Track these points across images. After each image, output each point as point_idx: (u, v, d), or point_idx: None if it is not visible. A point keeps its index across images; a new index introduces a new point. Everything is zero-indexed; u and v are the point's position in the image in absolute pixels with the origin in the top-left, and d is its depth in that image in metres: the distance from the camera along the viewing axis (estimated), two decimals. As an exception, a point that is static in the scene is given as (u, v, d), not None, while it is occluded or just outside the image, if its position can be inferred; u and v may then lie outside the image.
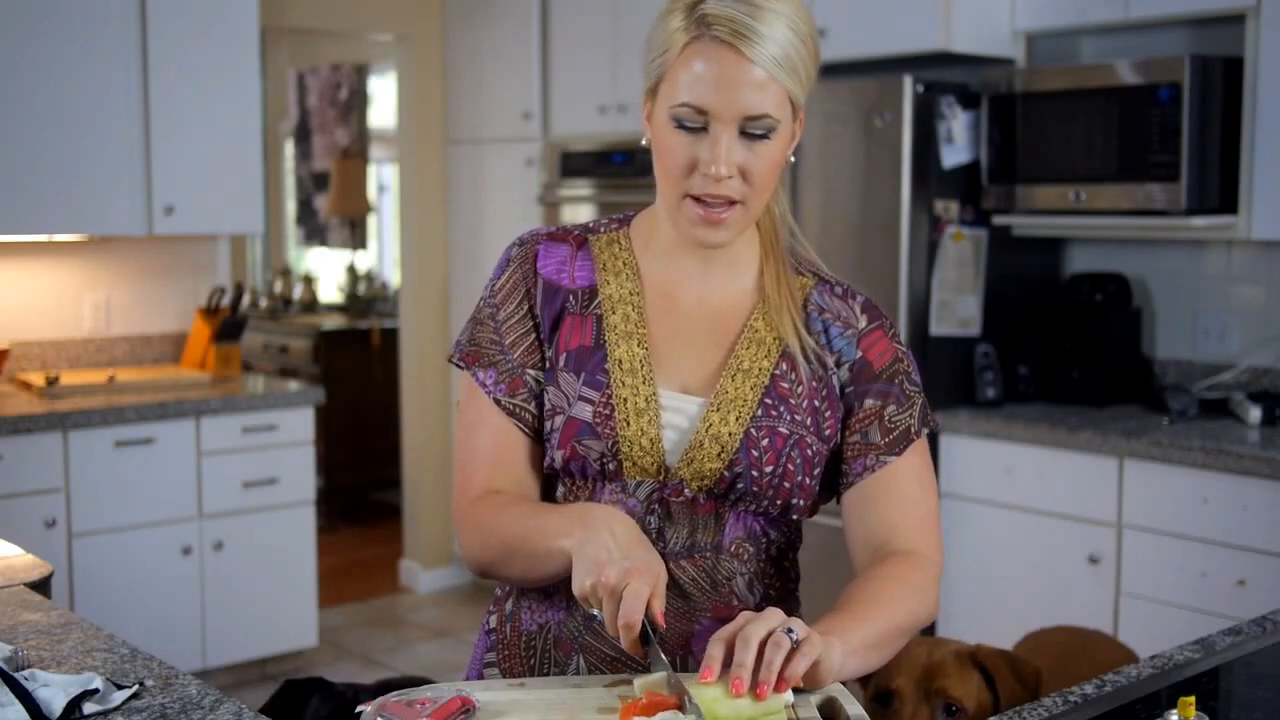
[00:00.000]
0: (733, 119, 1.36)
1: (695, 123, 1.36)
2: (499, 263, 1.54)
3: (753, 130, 1.37)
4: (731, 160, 1.37)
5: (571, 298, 1.48)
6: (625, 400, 1.42)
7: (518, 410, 1.47)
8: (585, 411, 1.43)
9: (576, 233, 1.54)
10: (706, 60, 1.35)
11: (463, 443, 1.51)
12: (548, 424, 1.46)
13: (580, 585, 1.28)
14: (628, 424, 1.42)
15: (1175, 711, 1.29)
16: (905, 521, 1.47)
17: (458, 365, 1.51)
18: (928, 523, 1.49)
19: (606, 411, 1.42)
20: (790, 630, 1.23)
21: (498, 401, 1.47)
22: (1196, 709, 1.29)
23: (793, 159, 1.47)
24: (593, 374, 1.44)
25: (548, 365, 1.47)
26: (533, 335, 1.48)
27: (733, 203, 1.39)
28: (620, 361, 1.44)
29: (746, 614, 1.27)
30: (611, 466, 1.43)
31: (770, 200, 1.50)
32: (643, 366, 1.44)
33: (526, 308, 1.49)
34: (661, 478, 1.43)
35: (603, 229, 1.54)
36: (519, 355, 1.48)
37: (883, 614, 1.37)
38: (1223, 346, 3.64)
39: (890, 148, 3.58)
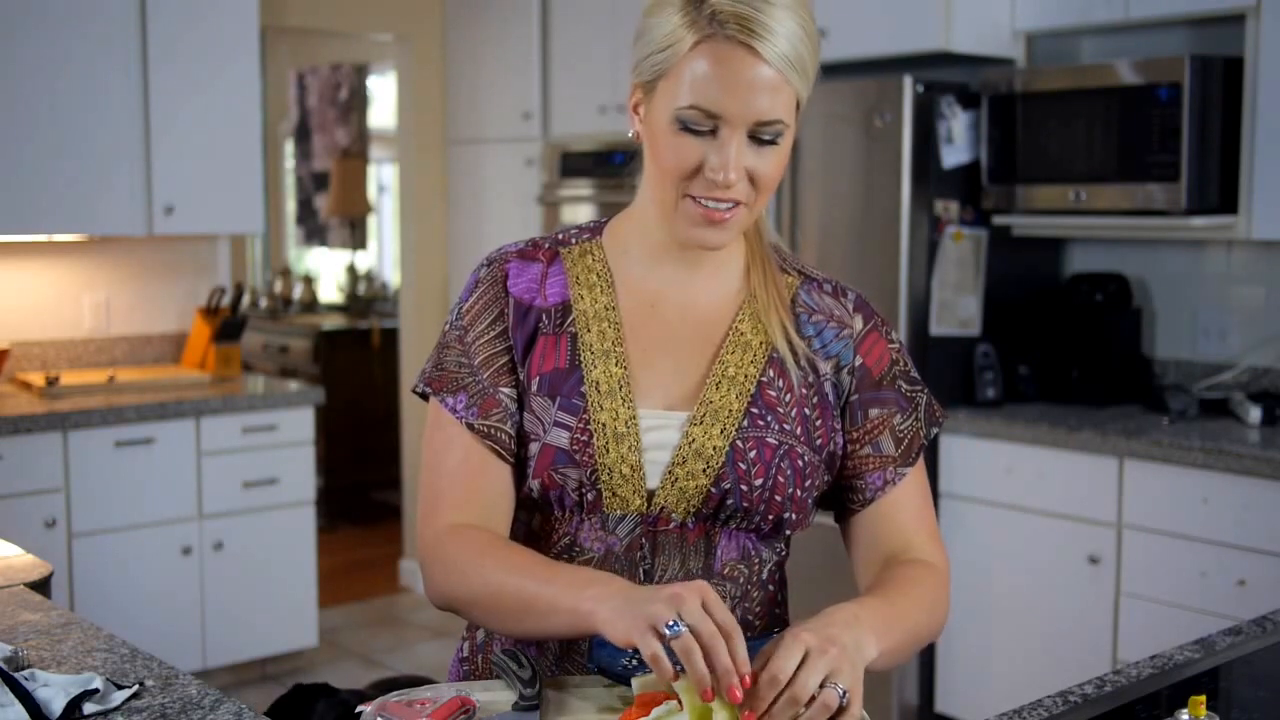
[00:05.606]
0: (743, 123, 1.30)
1: (703, 126, 1.31)
2: (467, 284, 1.47)
3: (762, 135, 1.32)
4: (740, 165, 1.31)
5: (544, 317, 1.41)
6: (604, 425, 1.35)
7: (493, 431, 1.38)
8: (562, 438, 1.35)
9: (547, 246, 1.46)
10: (718, 61, 1.29)
11: (430, 468, 1.41)
12: (521, 451, 1.38)
13: (636, 635, 1.15)
14: (607, 451, 1.35)
15: (1186, 711, 1.29)
16: (919, 535, 1.44)
17: (422, 394, 1.43)
18: (935, 534, 1.46)
19: (584, 438, 1.35)
20: (838, 685, 1.15)
21: (470, 426, 1.38)
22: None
23: None
24: (568, 398, 1.37)
25: (521, 388, 1.40)
26: (506, 356, 1.41)
27: (737, 204, 1.34)
28: (597, 383, 1.37)
29: (791, 644, 1.16)
30: (590, 496, 1.36)
31: None
32: (621, 387, 1.37)
33: (500, 328, 1.42)
34: (644, 508, 1.36)
35: (574, 240, 1.48)
36: (490, 375, 1.40)
37: (911, 620, 1.33)
38: (1223, 346, 3.64)
39: (890, 148, 3.57)
